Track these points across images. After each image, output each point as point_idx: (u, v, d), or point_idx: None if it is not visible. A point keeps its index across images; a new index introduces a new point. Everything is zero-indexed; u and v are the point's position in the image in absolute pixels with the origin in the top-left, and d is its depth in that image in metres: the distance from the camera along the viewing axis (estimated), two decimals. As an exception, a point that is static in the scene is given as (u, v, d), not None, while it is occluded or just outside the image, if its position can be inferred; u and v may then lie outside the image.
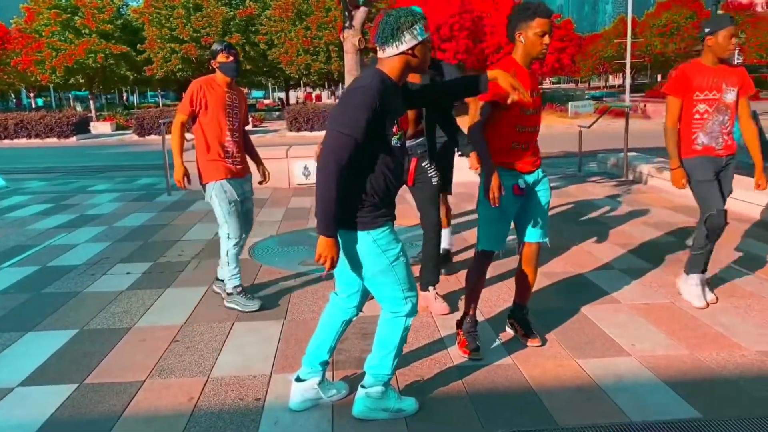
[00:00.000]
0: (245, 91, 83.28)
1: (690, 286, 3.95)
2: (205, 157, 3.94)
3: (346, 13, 5.30)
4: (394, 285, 2.51)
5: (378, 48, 2.43)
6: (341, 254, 2.48)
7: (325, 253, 2.36)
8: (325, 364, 2.78)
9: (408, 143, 3.87)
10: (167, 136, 9.23)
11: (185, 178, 3.96)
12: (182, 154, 3.95)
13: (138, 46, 38.03)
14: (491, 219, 3.18)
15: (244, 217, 4.12)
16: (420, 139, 3.94)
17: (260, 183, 4.34)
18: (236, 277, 4.05)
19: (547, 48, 3.00)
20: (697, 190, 3.79)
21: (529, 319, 3.45)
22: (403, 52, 2.39)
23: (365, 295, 2.74)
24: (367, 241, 2.43)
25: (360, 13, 5.29)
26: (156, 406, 2.80)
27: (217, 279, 4.32)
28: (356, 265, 2.49)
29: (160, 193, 9.07)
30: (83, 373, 3.15)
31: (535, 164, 3.21)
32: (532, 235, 3.28)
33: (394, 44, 2.38)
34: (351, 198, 2.40)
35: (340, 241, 2.43)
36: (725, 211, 3.73)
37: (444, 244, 4.59)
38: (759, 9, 49.00)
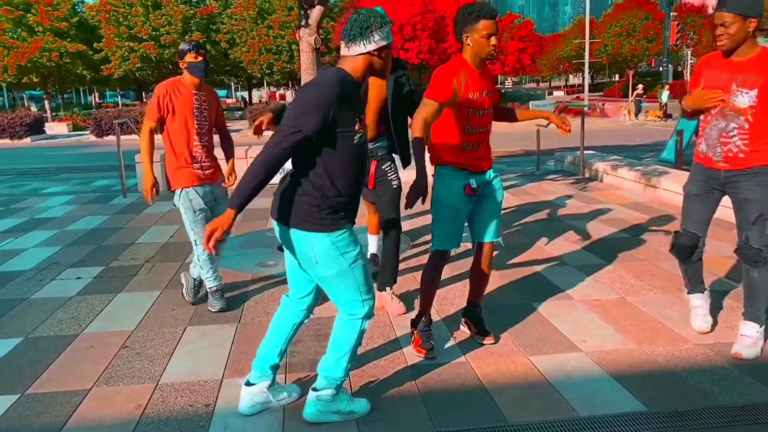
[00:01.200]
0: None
1: (691, 308, 3.53)
2: (172, 163, 3.85)
3: (302, 12, 5.27)
4: (352, 288, 2.50)
5: (343, 44, 2.39)
6: (296, 256, 2.46)
7: (220, 225, 2.24)
8: (275, 368, 2.74)
9: (369, 145, 3.87)
10: (123, 137, 9.03)
11: (153, 189, 3.86)
12: (152, 162, 3.84)
13: (95, 44, 37.06)
14: (444, 219, 3.20)
15: None
16: (380, 142, 3.93)
17: (224, 184, 4.20)
18: (210, 279, 3.99)
19: (494, 49, 3.02)
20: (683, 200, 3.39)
21: (482, 317, 3.48)
22: (369, 52, 2.37)
23: (317, 298, 2.73)
24: (325, 243, 2.40)
25: (316, 12, 5.26)
26: (101, 415, 2.73)
27: (186, 276, 4.19)
28: (313, 267, 2.46)
29: (116, 195, 8.86)
30: (26, 382, 3.05)
31: (487, 164, 3.23)
32: (486, 234, 3.30)
33: (362, 43, 2.35)
34: (310, 198, 2.38)
35: (298, 241, 2.41)
36: (695, 235, 3.27)
37: (373, 249, 4.57)
38: (710, 11, 50.44)
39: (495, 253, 3.58)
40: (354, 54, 2.37)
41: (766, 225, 3.05)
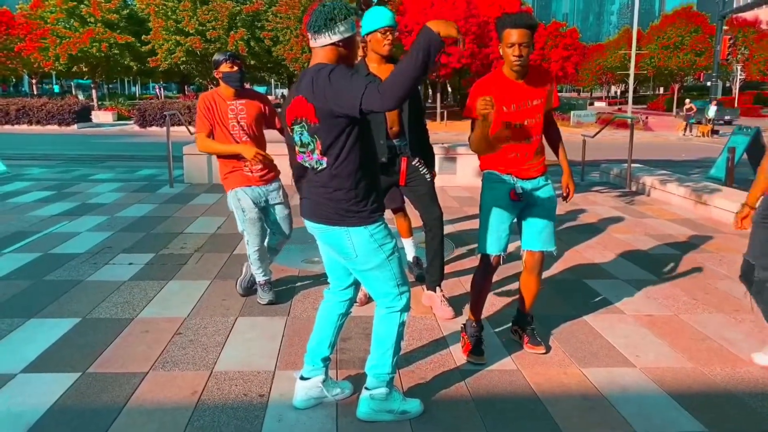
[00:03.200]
0: (248, 86, 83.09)
1: None
2: (222, 170, 3.97)
3: (360, 12, 5.28)
4: (390, 280, 2.54)
5: (310, 36, 2.44)
6: (336, 252, 2.52)
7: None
8: (326, 360, 2.77)
9: (395, 142, 3.88)
10: (172, 128, 9.23)
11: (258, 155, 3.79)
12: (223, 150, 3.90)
13: (143, 36, 37.96)
14: (488, 223, 3.21)
15: (275, 224, 4.10)
16: (402, 140, 3.92)
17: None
18: (260, 274, 4.06)
19: (518, 59, 2.94)
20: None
21: (533, 326, 3.44)
22: (334, 43, 2.41)
23: (358, 289, 2.79)
24: (364, 235, 2.45)
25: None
26: (160, 399, 2.79)
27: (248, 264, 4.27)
28: (353, 262, 2.50)
29: (163, 184, 9.04)
30: (86, 362, 3.14)
31: (536, 171, 3.20)
32: (533, 243, 3.26)
33: (327, 34, 2.40)
34: (346, 192, 2.42)
35: (337, 237, 2.46)
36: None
37: (412, 252, 4.57)
38: (764, 26, 49.21)
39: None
40: (320, 45, 2.41)
41: None
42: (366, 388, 2.66)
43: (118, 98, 47.99)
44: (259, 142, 4.01)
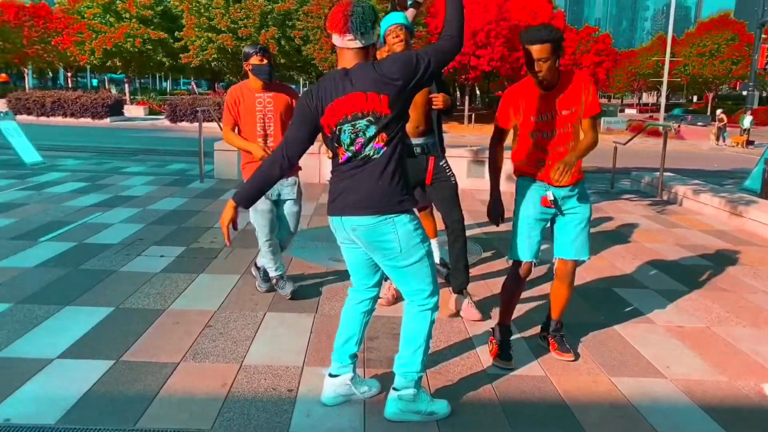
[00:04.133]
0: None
1: None
2: (244, 157, 4.01)
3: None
4: (426, 277, 2.57)
5: (355, 36, 2.41)
6: (377, 248, 2.51)
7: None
8: (354, 357, 2.79)
9: (422, 140, 3.88)
10: (205, 124, 9.37)
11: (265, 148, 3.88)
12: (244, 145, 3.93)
13: (176, 33, 38.53)
14: (520, 229, 3.20)
15: (282, 219, 4.11)
16: (430, 138, 3.92)
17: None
18: (273, 269, 4.10)
19: (542, 74, 2.94)
20: None
21: (562, 333, 3.42)
22: (374, 44, 2.47)
23: (380, 287, 2.81)
24: (409, 227, 2.48)
25: (410, 14, 5.29)
26: (190, 389, 2.84)
27: (255, 265, 4.34)
28: (394, 256, 2.50)
29: (193, 179, 9.18)
30: (119, 350, 3.20)
31: (568, 180, 3.14)
32: (565, 251, 3.24)
33: (372, 34, 2.45)
34: (402, 180, 2.49)
35: (383, 230, 2.45)
36: None
37: (438, 254, 4.54)
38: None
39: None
40: (364, 45, 2.44)
41: None
42: (394, 389, 2.67)
43: (149, 93, 48.82)
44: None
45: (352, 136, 2.43)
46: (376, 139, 2.43)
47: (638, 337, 3.67)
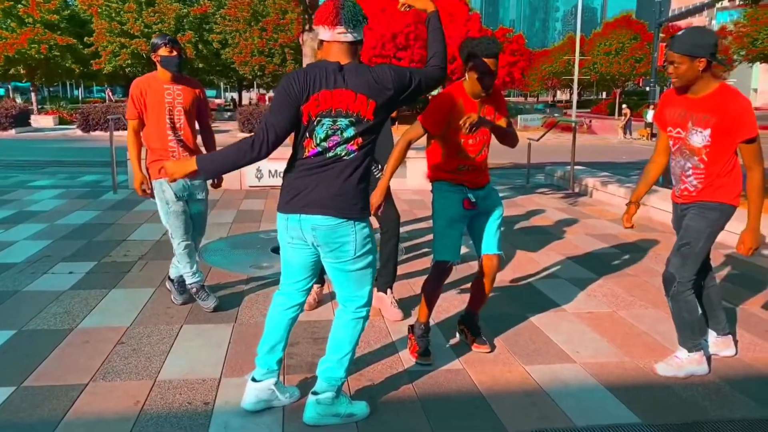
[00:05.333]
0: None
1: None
2: (149, 157, 3.87)
3: (306, 17, 5.29)
4: (367, 284, 2.61)
5: (347, 29, 2.38)
6: (333, 250, 2.49)
7: None
8: (280, 362, 2.76)
9: None
10: (117, 132, 8.98)
11: (142, 186, 3.89)
12: (139, 159, 3.85)
13: (85, 38, 36.72)
14: (442, 231, 3.26)
15: (192, 219, 3.99)
16: None
17: (213, 186, 4.21)
18: (190, 275, 3.96)
19: (490, 84, 3.05)
20: None
21: (479, 325, 3.52)
22: (362, 39, 2.47)
23: (307, 295, 2.77)
24: (365, 232, 2.51)
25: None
26: (100, 410, 2.72)
27: (169, 278, 4.20)
28: (348, 259, 2.50)
29: (106, 190, 8.79)
30: (22, 375, 3.02)
31: (484, 180, 3.30)
32: (489, 247, 3.34)
33: (360, 29, 2.43)
34: (365, 186, 2.50)
35: (344, 231, 2.46)
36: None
37: None
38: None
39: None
40: (354, 39, 2.41)
41: (688, 256, 3.04)
42: (313, 393, 2.66)
43: (59, 102, 46.27)
44: (192, 130, 3.94)
45: (329, 132, 2.39)
46: (352, 142, 2.41)
47: (550, 325, 3.82)
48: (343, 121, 2.38)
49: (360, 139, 2.42)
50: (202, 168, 2.42)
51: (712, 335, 3.41)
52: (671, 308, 3.18)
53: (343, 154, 2.42)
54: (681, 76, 2.92)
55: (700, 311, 3.18)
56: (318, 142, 2.41)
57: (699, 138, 2.95)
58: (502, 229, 3.38)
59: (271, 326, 2.74)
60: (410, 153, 9.53)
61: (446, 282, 4.17)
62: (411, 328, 3.44)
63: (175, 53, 3.76)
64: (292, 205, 2.48)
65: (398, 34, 34.37)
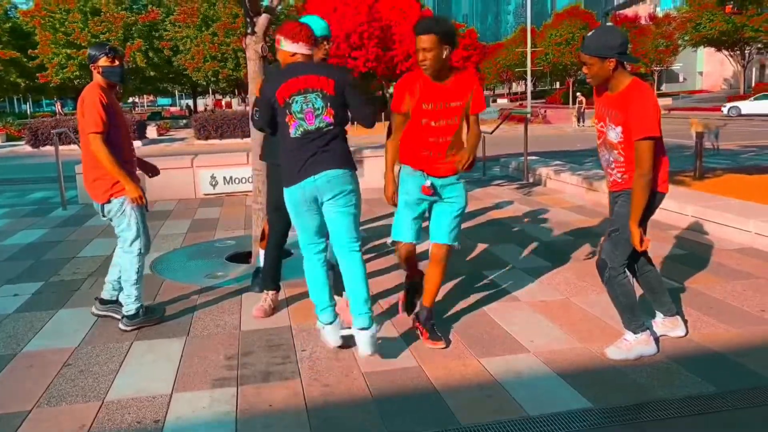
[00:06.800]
0: (151, 98, 79.76)
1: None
2: (94, 173, 3.66)
3: (248, 20, 5.21)
4: (358, 225, 3.31)
5: (311, 48, 3.27)
6: (343, 194, 3.18)
7: None
8: (332, 298, 3.40)
9: None
10: (61, 147, 8.71)
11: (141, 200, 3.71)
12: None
13: (29, 51, 35.58)
14: (399, 211, 3.46)
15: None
16: None
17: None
18: (140, 297, 3.83)
19: (426, 63, 3.14)
20: None
21: (433, 321, 3.52)
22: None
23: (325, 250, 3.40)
24: (359, 181, 3.31)
25: (262, 20, 5.22)
26: (43, 437, 2.63)
27: (102, 301, 4.01)
28: (353, 202, 3.23)
29: (55, 207, 8.53)
30: (-40, 406, 2.90)
31: (448, 170, 3.33)
32: (438, 236, 3.40)
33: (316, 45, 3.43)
34: (347, 146, 3.32)
35: (350, 180, 3.20)
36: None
37: None
38: (643, 22, 52.93)
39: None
40: (311, 52, 3.32)
41: (617, 242, 3.14)
42: (361, 329, 3.18)
43: (6, 118, 44.76)
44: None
45: (303, 105, 3.10)
46: (325, 112, 3.12)
47: (505, 316, 3.86)
48: (312, 95, 3.12)
49: (331, 110, 3.13)
50: None
51: (659, 317, 3.49)
52: (608, 293, 3.26)
53: (323, 125, 3.13)
54: (594, 76, 3.03)
55: (635, 294, 3.24)
56: (296, 116, 3.11)
57: (614, 134, 3.06)
58: (458, 221, 3.42)
59: (311, 276, 3.35)
60: (366, 152, 9.54)
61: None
62: (416, 315, 3.56)
63: (117, 63, 3.65)
64: (303, 172, 3.11)
65: (351, 33, 34.34)
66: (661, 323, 3.48)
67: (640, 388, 2.90)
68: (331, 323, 3.34)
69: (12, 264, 5.48)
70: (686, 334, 3.47)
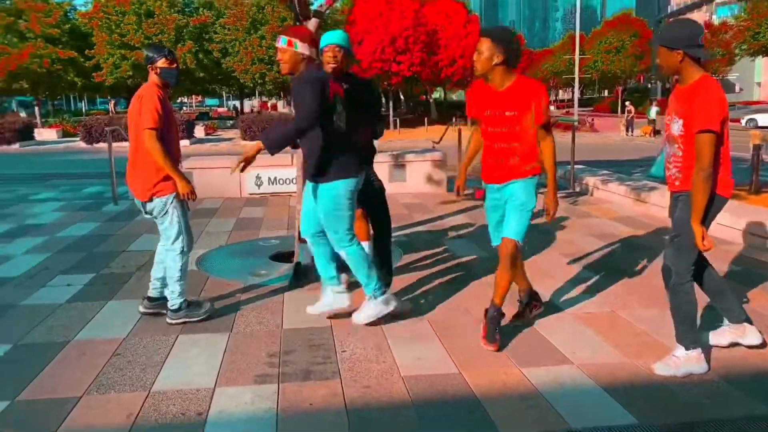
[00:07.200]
0: (199, 98, 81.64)
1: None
2: (161, 172, 3.72)
3: (297, 24, 5.29)
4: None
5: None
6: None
7: None
8: (338, 269, 3.84)
9: None
10: (114, 144, 9.00)
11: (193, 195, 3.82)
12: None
13: (87, 51, 36.91)
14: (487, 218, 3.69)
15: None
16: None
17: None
18: (185, 292, 3.93)
19: (476, 66, 3.31)
20: None
21: (498, 321, 3.48)
22: None
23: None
24: None
25: (311, 24, 5.29)
26: (92, 423, 2.71)
27: (150, 299, 4.08)
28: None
29: (107, 202, 8.82)
30: (16, 389, 3.02)
31: (501, 179, 3.45)
32: (498, 238, 3.59)
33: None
34: None
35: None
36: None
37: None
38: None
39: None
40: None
41: (680, 247, 3.06)
42: (374, 296, 3.71)
43: (63, 115, 46.48)
44: None
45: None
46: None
47: (548, 327, 3.79)
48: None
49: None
50: (270, 146, 3.41)
51: (726, 324, 3.38)
52: (670, 301, 3.16)
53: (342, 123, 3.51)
54: (664, 67, 3.02)
55: (697, 307, 3.14)
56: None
57: (676, 126, 3.02)
58: (518, 216, 3.43)
59: (321, 254, 3.81)
60: (408, 156, 9.55)
61: (445, 281, 4.13)
62: (486, 310, 3.54)
63: (174, 65, 3.78)
64: (357, 167, 3.63)
65: (397, 38, 34.40)
66: (729, 331, 3.35)
67: (689, 407, 2.81)
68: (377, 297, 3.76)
69: (66, 255, 5.68)
70: (763, 343, 3.32)
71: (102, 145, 24.36)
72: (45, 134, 30.64)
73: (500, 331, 3.50)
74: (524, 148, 3.36)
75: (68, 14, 39.11)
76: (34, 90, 37.66)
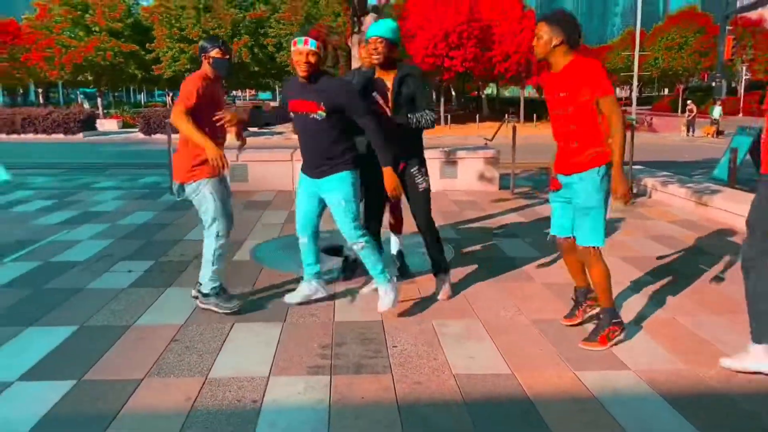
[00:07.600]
0: (252, 92, 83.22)
1: None
2: (197, 156, 3.79)
3: (355, 19, 5.33)
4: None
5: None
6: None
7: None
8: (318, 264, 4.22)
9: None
10: (173, 136, 9.28)
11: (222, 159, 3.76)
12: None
13: (147, 45, 38.18)
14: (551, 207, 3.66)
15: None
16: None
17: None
18: (217, 278, 4.00)
19: (535, 50, 3.33)
20: None
21: (605, 323, 3.46)
22: None
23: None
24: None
25: (369, 20, 5.32)
26: (154, 405, 2.81)
27: (199, 283, 4.14)
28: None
29: (165, 191, 9.10)
30: (81, 369, 3.16)
31: (568, 169, 3.37)
32: (568, 230, 3.56)
33: None
34: None
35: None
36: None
37: (393, 250, 4.92)
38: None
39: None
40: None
41: (752, 227, 3.04)
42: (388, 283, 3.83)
43: (123, 106, 48.22)
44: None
45: None
46: None
47: (604, 331, 3.70)
48: None
49: None
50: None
51: None
52: (746, 289, 3.08)
53: None
54: None
55: None
56: None
57: None
58: (583, 218, 3.37)
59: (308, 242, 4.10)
60: (461, 153, 9.47)
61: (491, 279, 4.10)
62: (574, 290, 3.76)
63: (227, 56, 3.87)
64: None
65: (450, 33, 34.16)
66: None
67: (753, 418, 2.70)
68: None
69: (127, 242, 5.90)
70: None
71: (159, 136, 25.15)
72: (106, 125, 31.84)
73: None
74: (582, 131, 3.27)
75: (131, 9, 40.51)
76: (97, 82, 39.21)
